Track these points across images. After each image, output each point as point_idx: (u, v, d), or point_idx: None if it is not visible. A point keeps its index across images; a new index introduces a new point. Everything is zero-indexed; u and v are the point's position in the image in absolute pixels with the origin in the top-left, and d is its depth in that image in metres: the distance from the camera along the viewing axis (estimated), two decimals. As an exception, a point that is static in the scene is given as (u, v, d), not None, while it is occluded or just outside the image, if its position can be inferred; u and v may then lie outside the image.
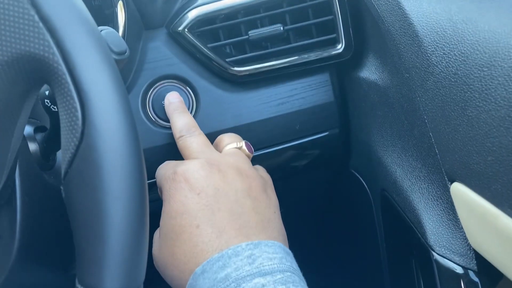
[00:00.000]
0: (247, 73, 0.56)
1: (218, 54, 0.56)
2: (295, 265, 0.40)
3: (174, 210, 0.43)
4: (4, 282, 0.38)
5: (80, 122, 0.29)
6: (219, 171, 0.45)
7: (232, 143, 0.51)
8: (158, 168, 0.50)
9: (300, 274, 0.40)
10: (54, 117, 0.43)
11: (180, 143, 0.50)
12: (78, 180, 0.30)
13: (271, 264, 0.38)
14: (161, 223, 0.45)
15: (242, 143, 0.51)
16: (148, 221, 0.32)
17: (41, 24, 0.29)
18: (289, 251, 0.42)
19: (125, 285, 0.30)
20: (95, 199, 0.29)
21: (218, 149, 0.52)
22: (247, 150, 0.51)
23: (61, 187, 0.32)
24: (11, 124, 0.33)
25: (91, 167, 0.29)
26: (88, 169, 0.29)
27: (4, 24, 0.29)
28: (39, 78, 0.31)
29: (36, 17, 0.29)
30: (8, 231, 0.39)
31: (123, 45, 0.44)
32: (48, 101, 0.42)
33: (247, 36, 0.56)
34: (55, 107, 0.42)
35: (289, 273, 0.38)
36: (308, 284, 0.40)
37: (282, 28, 0.56)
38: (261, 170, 0.53)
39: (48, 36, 0.29)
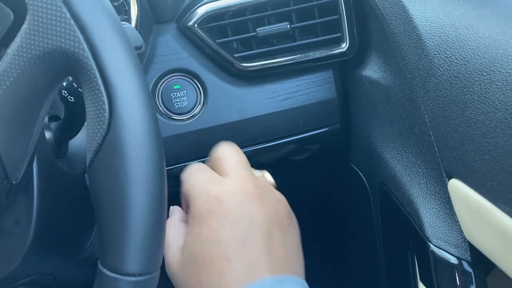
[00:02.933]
0: (254, 68, 0.58)
1: (226, 49, 0.58)
2: None
3: (204, 235, 0.41)
4: (20, 265, 0.40)
5: (107, 114, 0.31)
6: (256, 198, 0.42)
7: (257, 172, 0.48)
8: (188, 170, 0.45)
9: None
10: (70, 107, 0.45)
11: (218, 151, 0.46)
12: (103, 168, 0.32)
13: None
14: (186, 240, 0.42)
15: (269, 178, 0.48)
16: (167, 209, 0.34)
17: (72, 21, 0.30)
18: (307, 287, 0.41)
19: (145, 268, 0.32)
20: (119, 187, 0.31)
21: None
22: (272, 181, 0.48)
23: (86, 175, 0.34)
24: (36, 114, 0.35)
25: (116, 156, 0.31)
26: (113, 158, 0.31)
27: (38, 20, 0.30)
28: (66, 72, 0.33)
29: (68, 15, 0.30)
30: (25, 216, 0.40)
31: (140, 40, 0.46)
32: (66, 92, 0.44)
33: (255, 33, 0.58)
34: (72, 97, 0.44)
35: None
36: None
37: (289, 26, 0.58)
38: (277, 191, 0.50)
39: (78, 33, 0.30)
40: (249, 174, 0.44)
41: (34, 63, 0.31)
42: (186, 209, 0.45)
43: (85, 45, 0.30)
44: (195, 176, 0.44)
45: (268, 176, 0.48)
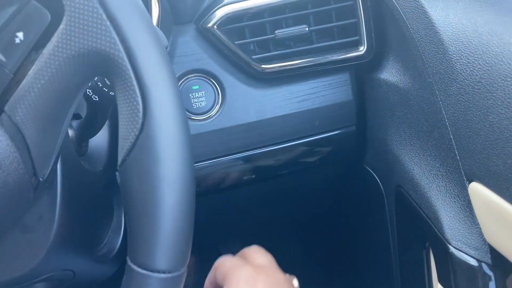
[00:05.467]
0: (272, 70, 0.59)
1: (244, 51, 0.59)
2: None
3: None
4: (42, 261, 0.40)
5: (141, 114, 0.31)
6: None
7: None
8: (220, 260, 0.46)
9: None
10: (93, 106, 0.45)
11: (245, 251, 0.48)
12: (136, 167, 0.32)
13: None
14: None
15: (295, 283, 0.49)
16: (194, 209, 0.35)
17: (108, 22, 0.31)
18: None
19: (174, 266, 0.33)
20: (151, 185, 0.32)
21: None
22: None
23: (117, 173, 0.34)
24: (65, 112, 0.35)
25: (149, 155, 0.32)
26: (146, 158, 0.32)
27: (75, 21, 0.31)
28: (99, 72, 0.33)
29: (104, 16, 0.31)
30: (48, 212, 0.41)
31: (165, 41, 0.47)
32: (90, 90, 0.44)
33: (273, 35, 0.58)
34: (96, 96, 0.45)
35: None
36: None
37: (307, 29, 0.58)
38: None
39: (114, 34, 0.31)
40: (279, 273, 0.45)
41: (69, 63, 0.32)
42: None
43: (120, 46, 0.31)
44: (230, 261, 0.45)
45: (295, 283, 0.49)
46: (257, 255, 0.47)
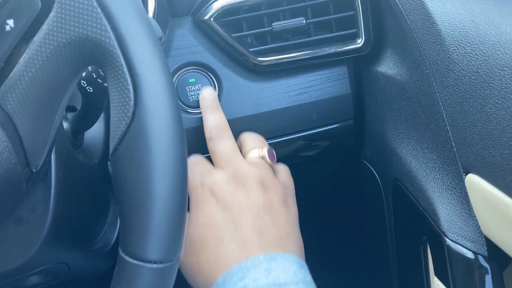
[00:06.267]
0: (269, 63, 0.58)
1: (241, 43, 0.58)
2: (308, 277, 0.43)
3: (200, 222, 0.46)
4: (35, 253, 0.40)
5: (132, 102, 0.31)
6: (243, 186, 0.48)
7: (255, 149, 0.53)
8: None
9: (313, 285, 0.43)
10: (88, 97, 0.45)
11: (209, 145, 0.53)
12: (127, 156, 0.32)
13: (285, 277, 0.41)
14: (187, 230, 0.47)
15: (265, 151, 0.53)
16: (187, 198, 0.34)
17: (99, 10, 0.31)
18: (304, 264, 0.45)
19: (166, 256, 0.33)
20: (142, 175, 0.32)
21: (242, 151, 0.54)
22: (269, 160, 0.53)
23: (108, 163, 0.34)
24: (58, 102, 0.35)
25: (140, 145, 0.31)
26: (137, 147, 0.31)
27: (66, 8, 0.31)
28: (91, 60, 0.33)
29: (95, 3, 0.31)
30: (42, 204, 0.40)
31: (159, 32, 0.46)
32: (85, 82, 0.44)
33: (270, 28, 0.58)
34: (90, 88, 0.44)
35: (302, 285, 0.41)
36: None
37: (304, 21, 0.58)
38: (282, 174, 0.55)
39: (105, 21, 0.31)
40: (237, 161, 0.50)
41: (60, 51, 0.31)
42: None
43: (111, 33, 0.31)
44: (192, 169, 0.50)
45: (268, 159, 0.53)
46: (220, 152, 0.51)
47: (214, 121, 0.53)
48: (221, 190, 0.47)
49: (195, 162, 0.52)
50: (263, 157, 0.53)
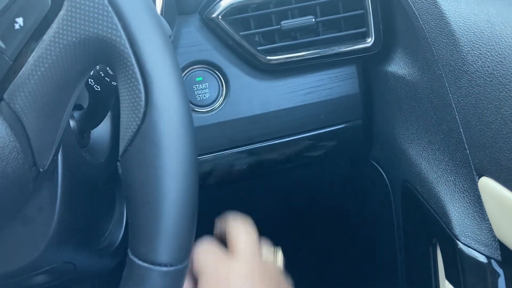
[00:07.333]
0: (277, 62, 0.58)
1: (249, 42, 0.58)
2: None
3: None
4: (42, 253, 0.40)
5: (143, 103, 0.31)
6: (259, 281, 0.45)
7: (269, 252, 0.50)
8: (198, 249, 0.46)
9: None
10: (95, 96, 0.45)
11: (231, 229, 0.48)
12: (137, 157, 0.31)
13: None
14: None
15: (279, 258, 0.50)
16: (198, 201, 0.34)
17: (110, 8, 0.30)
18: None
19: (176, 259, 0.32)
20: (153, 176, 0.31)
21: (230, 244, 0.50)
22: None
23: (118, 163, 0.33)
24: (66, 101, 0.34)
25: (151, 145, 0.31)
26: (148, 148, 0.31)
27: (76, 6, 0.30)
28: (101, 59, 0.32)
29: (106, 1, 0.30)
30: (49, 204, 0.40)
31: (168, 30, 0.46)
32: (92, 80, 0.43)
33: (279, 26, 0.57)
34: (98, 87, 0.44)
35: None
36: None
37: (313, 20, 0.57)
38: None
39: (116, 20, 0.30)
40: (257, 258, 0.47)
41: (70, 50, 0.31)
42: (194, 283, 0.47)
43: (122, 32, 0.30)
44: (206, 255, 0.46)
45: (279, 256, 0.50)
46: (236, 237, 0.47)
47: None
48: (237, 283, 0.44)
49: (209, 247, 0.47)
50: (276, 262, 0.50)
